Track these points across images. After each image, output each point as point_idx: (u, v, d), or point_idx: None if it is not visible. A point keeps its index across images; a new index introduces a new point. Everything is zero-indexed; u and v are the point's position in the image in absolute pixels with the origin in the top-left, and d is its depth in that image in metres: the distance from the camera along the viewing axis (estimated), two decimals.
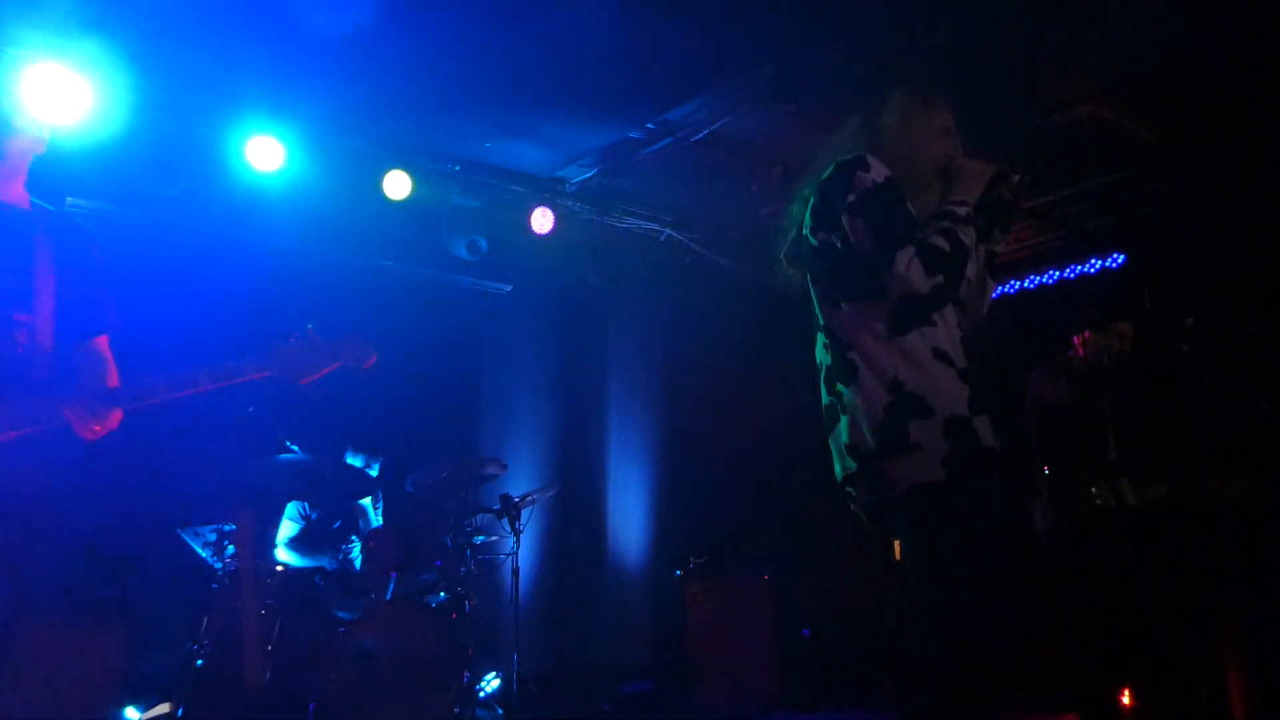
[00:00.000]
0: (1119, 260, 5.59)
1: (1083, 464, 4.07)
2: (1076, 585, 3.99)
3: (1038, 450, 4.25)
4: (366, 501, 5.18)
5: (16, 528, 2.35)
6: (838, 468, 2.35)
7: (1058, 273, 6.05)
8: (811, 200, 2.39)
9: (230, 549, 4.13)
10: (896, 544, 2.95)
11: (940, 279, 2.20)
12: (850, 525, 2.54)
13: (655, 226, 6.85)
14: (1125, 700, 4.96)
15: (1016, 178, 2.40)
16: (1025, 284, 6.23)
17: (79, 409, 2.35)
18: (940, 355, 2.24)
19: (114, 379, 2.55)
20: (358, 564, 4.60)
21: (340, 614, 4.26)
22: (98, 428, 2.40)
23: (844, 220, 2.27)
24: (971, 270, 2.34)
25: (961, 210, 2.30)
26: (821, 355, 2.41)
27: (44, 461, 2.41)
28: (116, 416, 2.43)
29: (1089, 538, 3.99)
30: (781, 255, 2.58)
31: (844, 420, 2.30)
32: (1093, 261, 5.86)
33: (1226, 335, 4.43)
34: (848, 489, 2.33)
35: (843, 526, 3.50)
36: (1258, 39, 4.41)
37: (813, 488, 4.95)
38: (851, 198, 2.26)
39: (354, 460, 5.01)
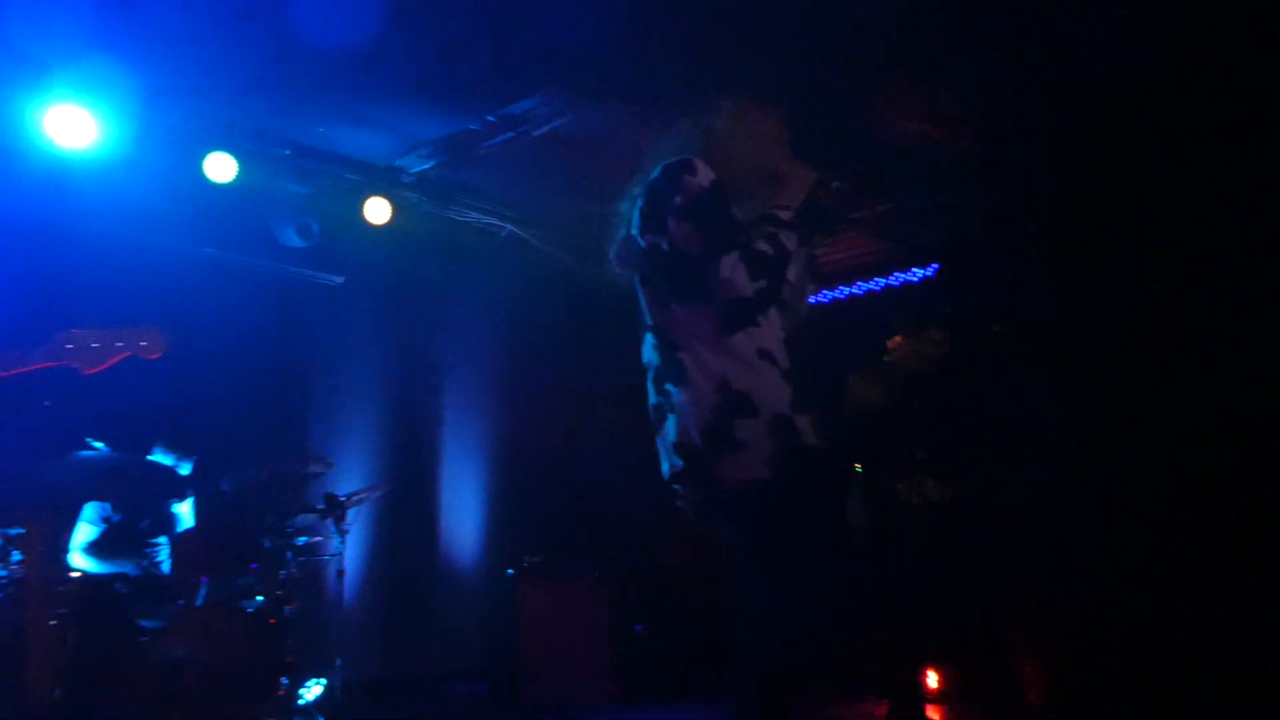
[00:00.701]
0: (933, 269, 5.91)
1: (893, 463, 4.27)
2: (886, 577, 4.18)
3: (852, 449, 4.43)
4: (178, 502, 4.87)
5: None
6: (664, 466, 2.37)
7: (883, 280, 6.35)
8: (640, 201, 2.39)
9: (16, 555, 3.80)
10: None
11: (763, 282, 2.25)
12: (681, 523, 2.58)
13: (497, 222, 6.75)
14: (932, 684, 5.25)
15: (837, 185, 2.48)
16: (854, 290, 6.51)
17: None
18: (765, 355, 2.29)
19: None
20: (166, 569, 4.31)
21: (144, 623, 3.99)
22: None
23: (670, 223, 2.29)
24: (793, 274, 2.41)
25: (784, 215, 2.36)
26: (649, 355, 2.43)
27: None
28: None
29: (898, 532, 4.19)
30: (611, 255, 2.58)
31: (671, 419, 2.32)
32: (914, 270, 6.17)
33: (1027, 344, 4.75)
34: (674, 486, 2.36)
35: (675, 525, 3.55)
36: (1070, 72, 4.73)
37: (647, 487, 5.02)
38: (678, 200, 2.28)
39: (163, 458, 4.69)
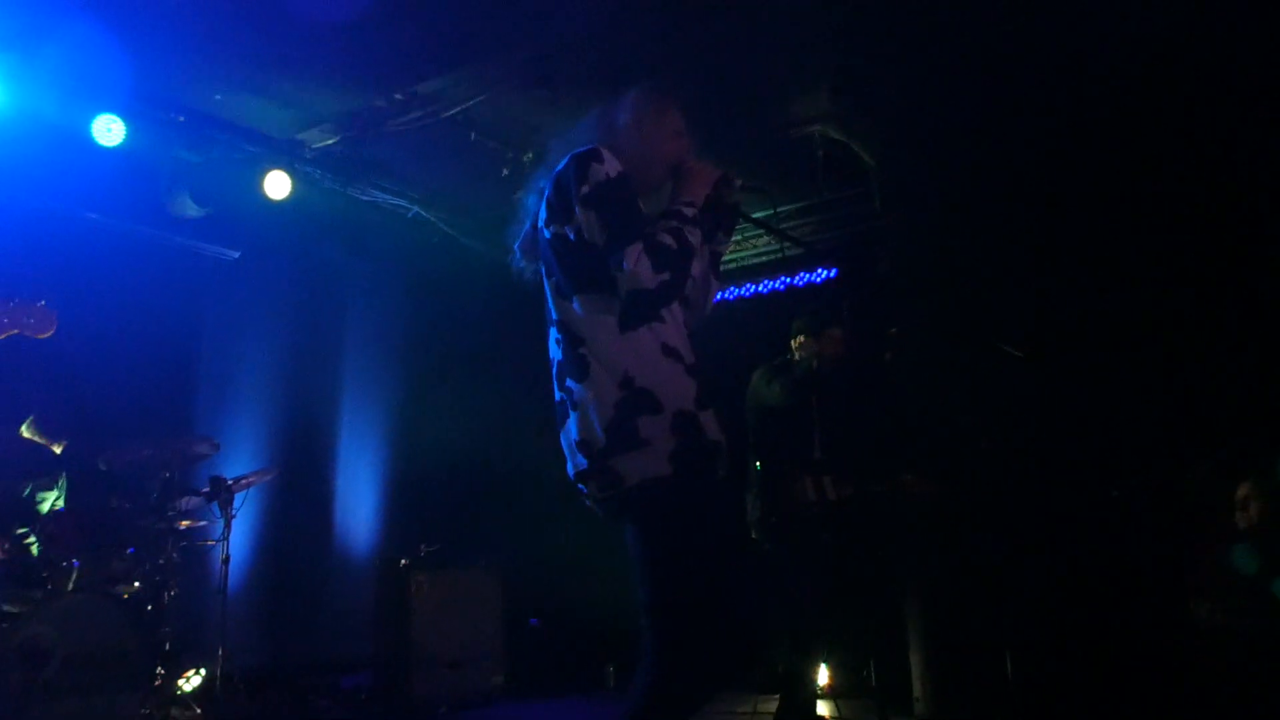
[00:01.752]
0: (835, 272, 6.03)
1: (791, 461, 4.33)
2: (780, 572, 4.25)
3: (753, 445, 4.48)
4: (49, 481, 4.62)
5: None
6: (569, 465, 2.33)
7: (788, 279, 6.44)
8: (546, 192, 2.36)
9: None
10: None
11: (667, 275, 2.24)
12: (579, 517, 2.54)
13: (403, 203, 6.61)
14: (823, 681, 5.36)
15: (739, 183, 2.49)
16: (760, 289, 6.59)
17: None
18: (669, 351, 2.28)
19: None
20: (34, 551, 4.09)
21: (5, 606, 3.77)
22: None
23: (577, 212, 2.26)
24: (697, 269, 2.40)
25: (688, 210, 2.35)
26: (554, 350, 2.39)
27: None
28: None
29: (794, 529, 4.25)
30: (515, 247, 2.54)
31: (574, 416, 2.28)
32: (819, 271, 6.28)
33: (924, 346, 4.87)
34: (579, 485, 2.32)
35: (572, 518, 3.53)
36: (976, 74, 4.88)
37: (544, 479, 4.99)
38: (585, 189, 2.25)
39: (32, 434, 4.44)
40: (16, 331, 2.29)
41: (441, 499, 6.65)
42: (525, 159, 5.56)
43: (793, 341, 4.57)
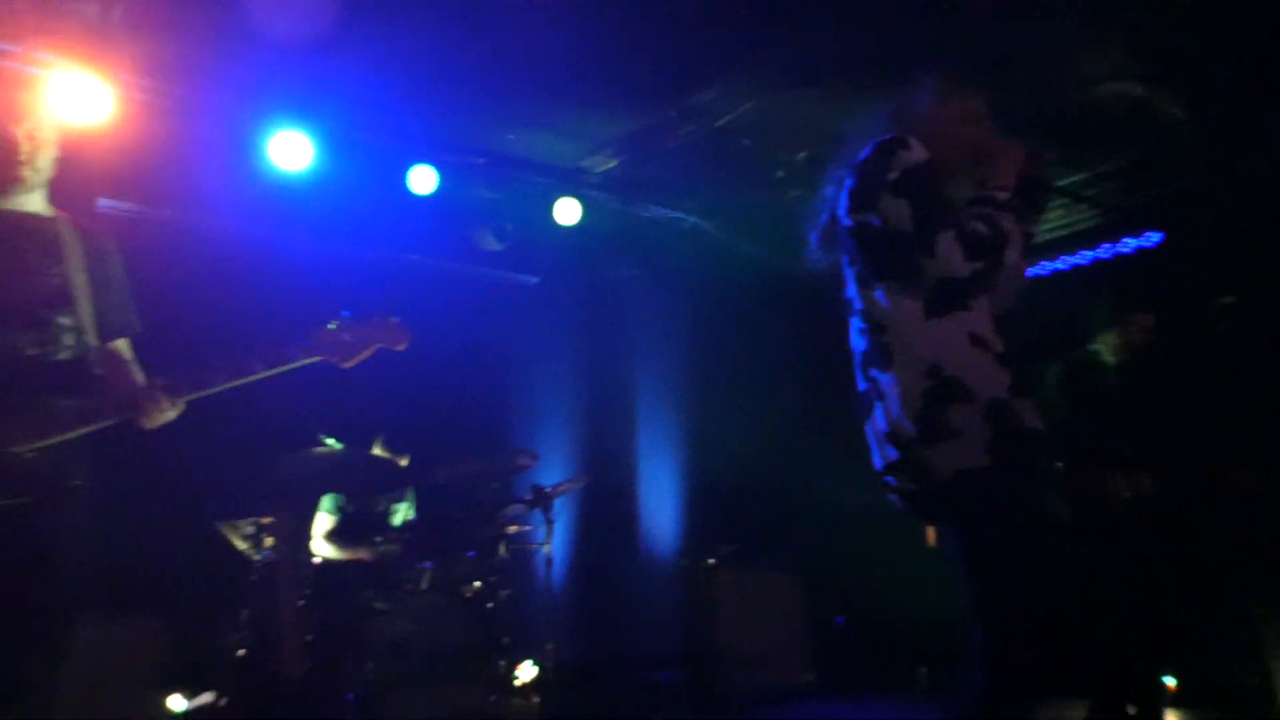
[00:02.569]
0: (1153, 239, 5.50)
1: (1097, 456, 4.01)
2: (1105, 577, 3.97)
3: (1053, 443, 4.19)
4: (401, 493, 5.22)
5: (63, 522, 2.40)
6: (877, 457, 2.31)
7: (1090, 253, 5.96)
8: (847, 182, 2.37)
9: (268, 541, 4.18)
10: (930, 530, 2.93)
11: (980, 264, 2.18)
12: (883, 512, 2.52)
13: (680, 215, 6.83)
14: (1170, 686, 4.91)
15: (1052, 157, 2.38)
16: (1058, 265, 6.14)
17: (150, 401, 2.39)
18: (977, 340, 2.21)
19: (137, 378, 2.60)
20: (393, 555, 4.63)
21: (377, 605, 4.30)
22: (159, 419, 2.45)
23: (884, 200, 2.24)
24: (1010, 256, 2.30)
25: (1001, 195, 2.28)
26: (856, 340, 2.39)
27: (87, 457, 2.46)
28: (178, 408, 2.47)
29: (1101, 529, 3.94)
30: (812, 239, 2.57)
31: (879, 407, 2.27)
32: (1125, 241, 5.77)
33: (1261, 318, 4.34)
34: (887, 478, 2.29)
35: (875, 513, 3.49)
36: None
37: (843, 474, 4.95)
38: (893, 176, 2.24)
39: (382, 451, 5.04)
40: (379, 345, 2.64)
41: (738, 500, 6.78)
42: (799, 159, 5.57)
43: (1092, 342, 4.24)
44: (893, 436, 2.22)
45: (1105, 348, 4.20)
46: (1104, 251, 5.85)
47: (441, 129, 5.71)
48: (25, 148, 2.47)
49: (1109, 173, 5.61)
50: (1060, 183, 3.31)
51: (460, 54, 4.80)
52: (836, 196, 2.41)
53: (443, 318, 5.90)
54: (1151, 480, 3.92)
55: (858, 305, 2.37)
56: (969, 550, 2.19)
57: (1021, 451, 2.14)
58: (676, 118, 5.56)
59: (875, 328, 2.29)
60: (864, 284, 2.34)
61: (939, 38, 4.59)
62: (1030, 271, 6.26)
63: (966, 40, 4.59)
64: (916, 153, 2.26)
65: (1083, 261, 5.98)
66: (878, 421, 2.28)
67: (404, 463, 5.07)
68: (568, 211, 6.18)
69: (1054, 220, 6.11)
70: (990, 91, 2.50)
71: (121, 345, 2.68)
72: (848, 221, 2.35)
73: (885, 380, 2.24)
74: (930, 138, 2.34)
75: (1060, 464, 4.15)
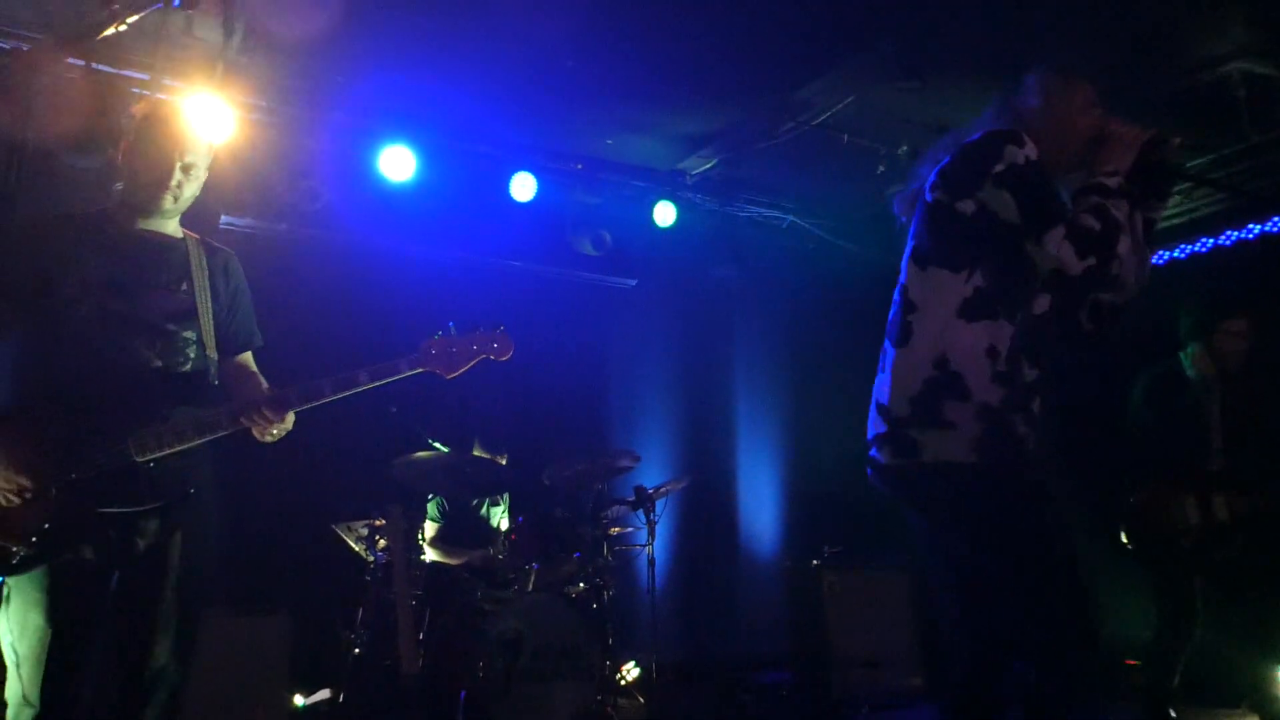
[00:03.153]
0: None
1: (1172, 478, 3.83)
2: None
3: (1129, 459, 4.02)
4: (507, 495, 5.33)
5: (188, 528, 2.54)
6: (869, 426, 2.33)
7: (1211, 240, 5.67)
8: (945, 161, 2.33)
9: (381, 542, 4.32)
10: None
11: (1092, 260, 2.14)
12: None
13: (777, 214, 6.80)
14: None
15: (1177, 141, 2.29)
16: (1175, 254, 5.86)
17: (260, 414, 2.51)
18: (992, 353, 2.19)
19: (263, 388, 2.72)
20: (501, 555, 4.72)
21: (485, 604, 4.40)
22: (276, 431, 2.56)
23: (986, 188, 2.20)
24: (1124, 246, 2.23)
25: (1112, 182, 2.22)
26: (891, 312, 2.39)
27: (211, 464, 2.60)
28: (290, 419, 2.59)
29: (1168, 556, 3.78)
30: (895, 206, 2.54)
31: (880, 379, 2.31)
32: (1250, 227, 5.48)
33: None
34: (871, 451, 2.31)
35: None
36: None
37: None
38: (1000, 167, 2.20)
39: (480, 452, 5.15)
40: (485, 356, 2.71)
41: (842, 499, 6.70)
42: (900, 153, 5.48)
43: (1181, 352, 4.03)
44: (885, 411, 2.26)
45: (1189, 358, 4.00)
46: (1226, 238, 5.56)
47: (540, 137, 5.82)
48: (178, 178, 2.61)
49: (1232, 155, 5.34)
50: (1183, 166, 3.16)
51: (559, 61, 4.87)
52: (928, 175, 2.37)
53: (543, 321, 6.02)
54: (1228, 503, 3.72)
55: (901, 278, 2.35)
56: (951, 553, 2.22)
57: (1010, 454, 2.15)
58: (774, 116, 5.52)
59: (906, 304, 2.30)
60: (916, 259, 2.32)
61: (1044, 26, 4.45)
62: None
63: (1073, 28, 4.44)
64: (1028, 149, 2.21)
65: (1203, 249, 5.69)
66: (878, 391, 2.31)
67: (503, 459, 5.17)
68: (665, 214, 6.23)
69: (1174, 207, 5.83)
70: (1105, 77, 2.43)
71: (246, 358, 2.81)
72: (928, 197, 2.32)
73: (893, 355, 2.28)
74: (1042, 129, 2.29)
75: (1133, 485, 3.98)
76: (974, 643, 2.27)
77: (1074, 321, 2.34)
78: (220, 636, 4.09)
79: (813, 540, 6.16)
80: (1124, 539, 3.98)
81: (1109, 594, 4.51)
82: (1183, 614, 3.90)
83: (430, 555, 4.84)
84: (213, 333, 2.65)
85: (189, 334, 2.60)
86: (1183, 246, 5.78)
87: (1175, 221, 5.83)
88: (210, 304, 2.65)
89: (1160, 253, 5.89)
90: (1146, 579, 4.06)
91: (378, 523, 4.35)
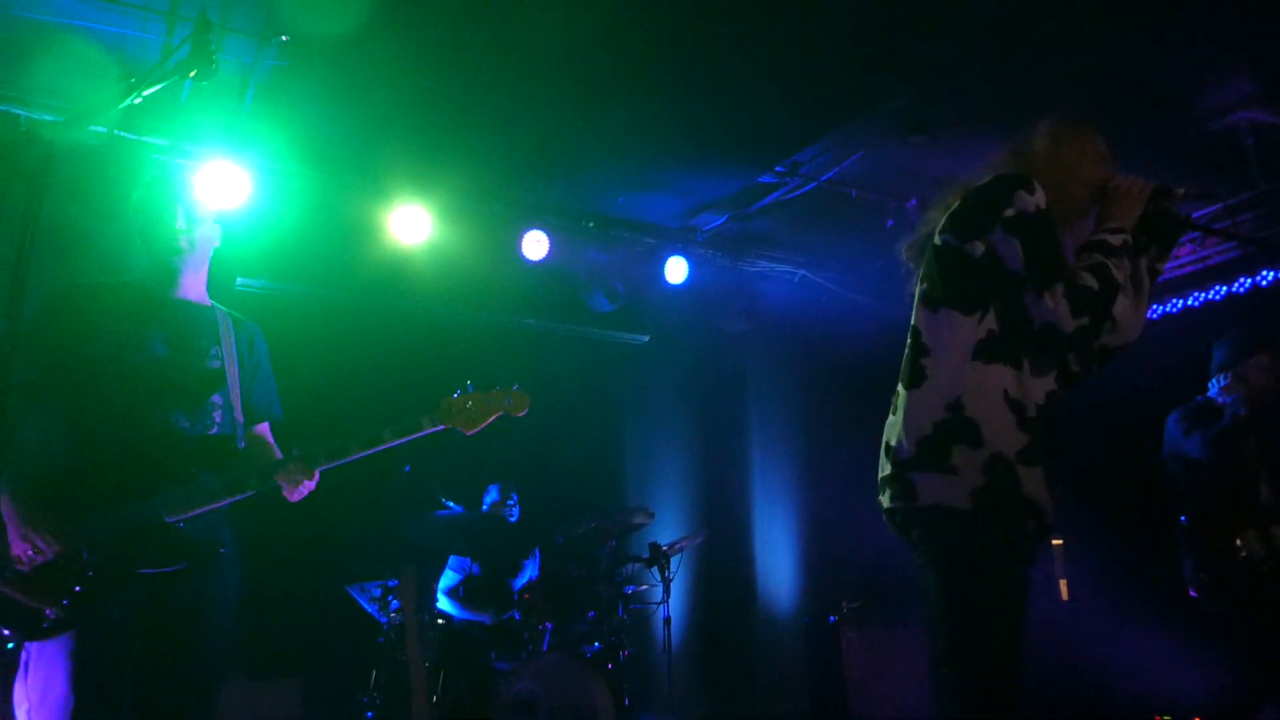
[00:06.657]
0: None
1: (1229, 512, 3.77)
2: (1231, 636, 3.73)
3: (1178, 497, 3.96)
4: (523, 553, 5.29)
5: (215, 588, 2.52)
6: (879, 469, 2.30)
7: (1225, 288, 5.67)
8: (955, 205, 2.33)
9: (395, 604, 4.29)
10: (1064, 584, 2.83)
11: (1085, 320, 2.13)
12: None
13: (789, 268, 6.83)
14: None
15: (1182, 191, 2.29)
16: (1188, 301, 5.85)
17: (289, 474, 2.52)
18: (1010, 399, 2.15)
19: (278, 457, 2.74)
20: (516, 615, 4.68)
21: (499, 665, 4.34)
22: (302, 490, 2.58)
23: (996, 232, 2.19)
24: (1120, 307, 2.21)
25: (1116, 240, 2.22)
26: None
27: (220, 526, 2.60)
28: (317, 477, 2.60)
29: (1238, 590, 3.70)
30: (903, 248, 2.54)
31: (890, 421, 2.27)
32: (1263, 274, 5.48)
33: None
34: (880, 495, 2.27)
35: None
36: None
37: None
38: (1010, 212, 2.20)
39: (491, 497, 5.12)
40: (501, 412, 2.73)
41: (857, 554, 6.62)
42: (907, 206, 5.52)
43: (1212, 382, 4.02)
44: (892, 453, 2.22)
45: (1224, 400, 3.97)
46: (1239, 286, 5.55)
47: (553, 195, 5.88)
48: (183, 222, 2.65)
49: (1241, 205, 5.36)
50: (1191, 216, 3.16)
51: (571, 121, 4.94)
52: (938, 219, 2.37)
53: (557, 379, 6.03)
54: None
55: (912, 320, 2.33)
56: (939, 598, 2.17)
57: (1007, 510, 2.10)
58: (784, 172, 5.58)
59: (919, 347, 2.26)
60: (926, 303, 2.30)
61: (1054, 77, 4.50)
62: (1161, 309, 5.99)
63: (1081, 79, 4.48)
64: (1039, 197, 2.21)
65: (1216, 297, 5.68)
66: (888, 434, 2.28)
67: (515, 512, 5.13)
68: (676, 270, 6.26)
69: (1185, 256, 5.85)
70: (1114, 128, 2.44)
71: (264, 429, 2.84)
72: (937, 240, 2.31)
73: (905, 396, 2.24)
74: (1050, 179, 2.29)
75: (1184, 519, 3.92)
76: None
77: (1062, 365, 2.32)
78: (232, 703, 4.03)
79: (831, 595, 6.08)
80: (1194, 591, 3.90)
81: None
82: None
83: (444, 608, 4.79)
84: (240, 397, 2.69)
85: (217, 398, 2.63)
86: (1195, 294, 5.78)
87: (1190, 270, 5.84)
88: (237, 372, 2.69)
89: (1172, 300, 5.89)
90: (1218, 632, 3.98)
91: (392, 584, 4.31)
